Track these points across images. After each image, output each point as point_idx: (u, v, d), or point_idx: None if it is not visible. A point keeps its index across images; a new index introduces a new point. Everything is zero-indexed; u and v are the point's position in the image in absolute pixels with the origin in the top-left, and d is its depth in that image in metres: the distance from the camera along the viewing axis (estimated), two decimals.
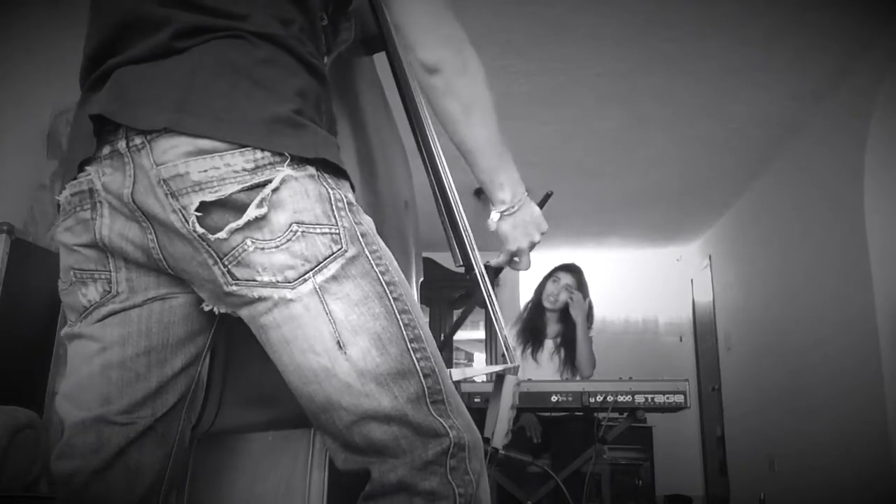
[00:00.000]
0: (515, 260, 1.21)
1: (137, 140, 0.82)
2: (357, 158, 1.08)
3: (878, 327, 3.42)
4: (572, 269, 3.56)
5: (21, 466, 2.40)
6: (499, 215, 1.15)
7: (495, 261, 1.26)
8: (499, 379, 1.26)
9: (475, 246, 1.29)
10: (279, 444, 1.11)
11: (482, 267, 1.29)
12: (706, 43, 3.41)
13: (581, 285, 3.50)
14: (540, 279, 3.64)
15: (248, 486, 1.09)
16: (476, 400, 2.64)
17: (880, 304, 3.44)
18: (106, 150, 0.85)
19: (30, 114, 3.06)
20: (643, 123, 4.32)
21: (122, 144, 0.83)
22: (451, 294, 6.39)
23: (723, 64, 3.60)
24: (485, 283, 1.28)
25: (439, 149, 1.27)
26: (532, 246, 1.19)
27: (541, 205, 1.27)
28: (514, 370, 1.27)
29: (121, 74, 0.85)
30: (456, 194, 1.28)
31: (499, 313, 1.33)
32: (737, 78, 3.74)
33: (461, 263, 1.27)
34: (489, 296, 1.29)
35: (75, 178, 0.89)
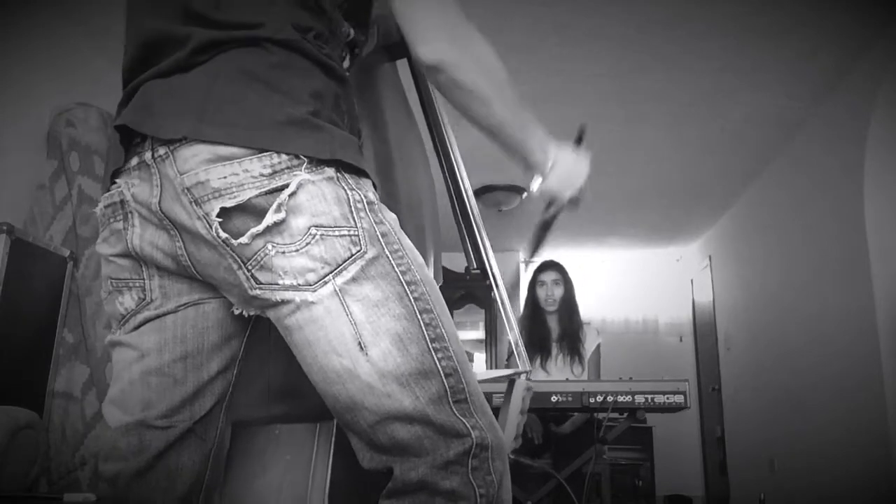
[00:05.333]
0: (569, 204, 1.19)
1: (161, 150, 0.85)
2: (375, 161, 1.09)
3: (878, 327, 3.42)
4: (551, 266, 3.64)
5: (21, 466, 2.40)
6: (540, 178, 1.14)
7: (546, 214, 1.23)
8: (509, 384, 1.26)
9: (490, 250, 1.29)
10: (284, 438, 1.13)
11: (496, 271, 1.29)
12: (706, 43, 3.41)
13: (565, 276, 3.57)
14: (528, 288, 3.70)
15: (252, 477, 1.11)
16: None
17: (880, 304, 3.44)
18: (134, 161, 0.89)
19: (30, 114, 3.06)
20: (643, 123, 4.32)
21: (148, 155, 0.86)
22: (450, 294, 6.38)
23: (723, 64, 3.59)
24: (498, 287, 1.28)
25: (457, 154, 1.28)
26: (583, 185, 1.16)
27: (577, 142, 1.23)
28: (525, 375, 1.26)
29: (146, 87, 0.89)
30: (473, 199, 1.28)
31: (511, 317, 1.32)
32: (736, 78, 3.73)
33: (476, 267, 1.27)
34: (502, 300, 1.28)
35: (108, 191, 0.93)
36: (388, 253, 0.85)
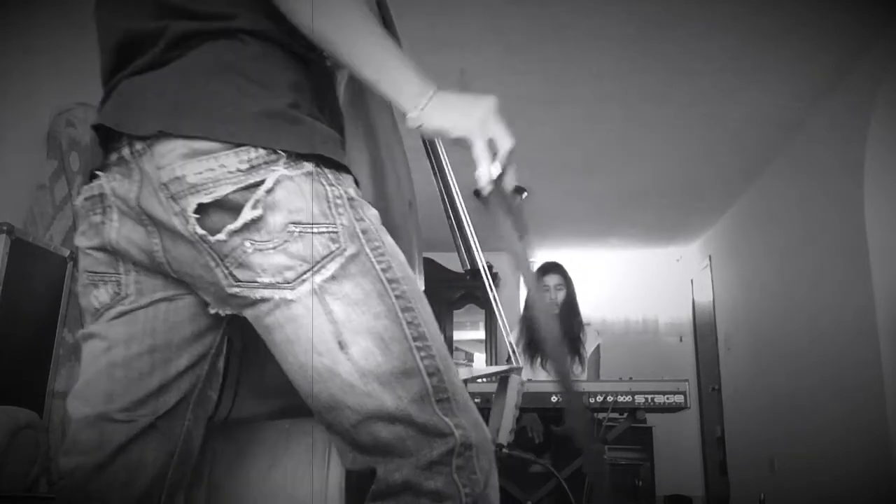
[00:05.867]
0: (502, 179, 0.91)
1: (139, 146, 0.84)
2: (369, 162, 1.11)
3: (878, 327, 3.42)
4: (554, 268, 3.63)
5: (21, 466, 2.40)
6: (417, 113, 0.86)
7: (485, 180, 0.90)
8: (503, 380, 1.29)
9: (480, 250, 1.32)
10: (295, 431, 1.14)
11: (488, 271, 1.32)
12: (706, 43, 3.41)
13: (567, 279, 3.56)
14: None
15: (264, 471, 1.13)
16: (476, 401, 2.65)
17: (880, 304, 3.44)
18: (114, 157, 0.88)
19: (30, 114, 3.06)
20: (643, 123, 4.32)
21: (126, 151, 0.85)
22: (450, 295, 6.39)
23: (723, 64, 3.59)
24: (490, 286, 1.31)
25: (446, 158, 1.30)
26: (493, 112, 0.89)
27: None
28: (518, 371, 1.30)
29: (122, 86, 0.88)
30: (462, 201, 1.30)
31: (503, 316, 1.35)
32: (736, 78, 3.73)
33: (469, 267, 1.30)
34: (495, 299, 1.31)
35: (89, 184, 0.92)
36: (368, 250, 0.84)
